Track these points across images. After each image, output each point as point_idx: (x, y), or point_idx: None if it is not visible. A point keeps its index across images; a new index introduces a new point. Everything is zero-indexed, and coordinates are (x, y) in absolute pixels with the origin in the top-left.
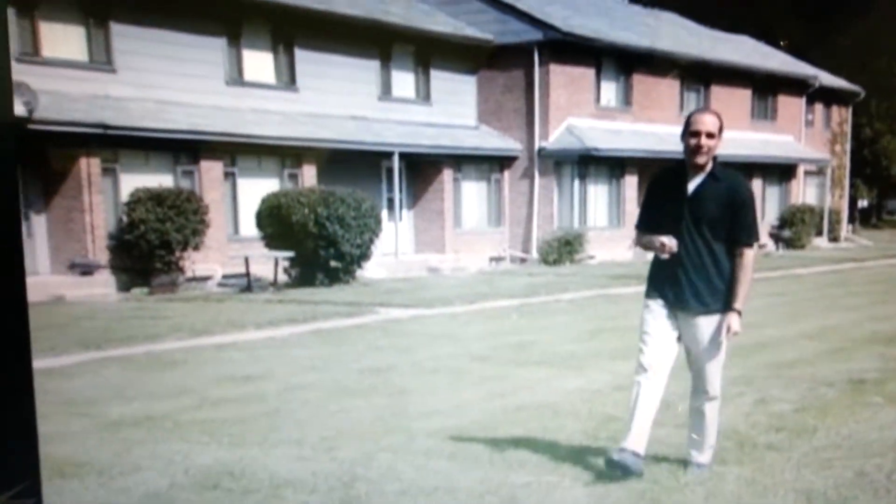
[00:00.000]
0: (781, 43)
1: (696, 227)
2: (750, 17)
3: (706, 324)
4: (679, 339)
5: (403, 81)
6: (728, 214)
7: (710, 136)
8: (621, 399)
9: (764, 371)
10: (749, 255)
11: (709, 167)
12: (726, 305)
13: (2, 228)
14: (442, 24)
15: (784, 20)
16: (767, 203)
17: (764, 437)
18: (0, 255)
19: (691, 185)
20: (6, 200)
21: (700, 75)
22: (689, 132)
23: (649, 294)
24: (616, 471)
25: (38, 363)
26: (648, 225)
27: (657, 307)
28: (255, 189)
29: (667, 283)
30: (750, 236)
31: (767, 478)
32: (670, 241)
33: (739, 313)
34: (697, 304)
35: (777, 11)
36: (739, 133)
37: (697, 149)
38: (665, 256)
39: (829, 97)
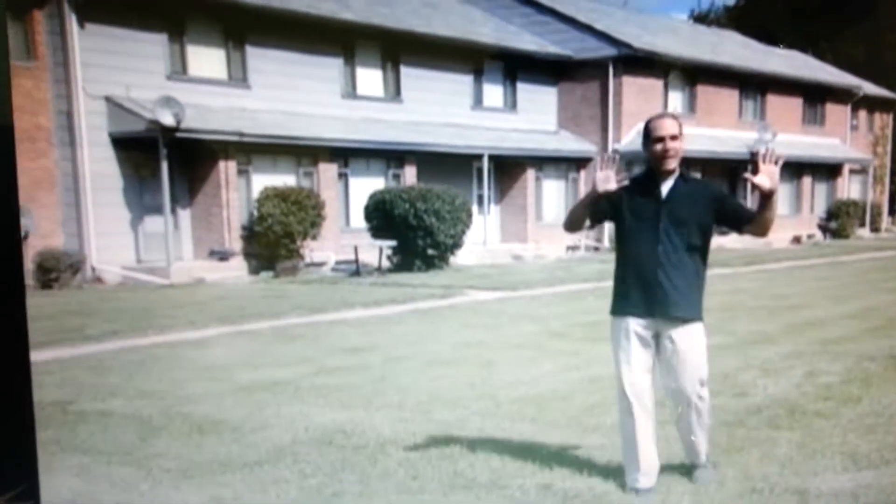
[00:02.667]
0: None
1: (675, 227)
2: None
3: (688, 331)
4: (654, 358)
5: (493, 92)
6: (710, 212)
7: (674, 138)
8: None
9: (813, 347)
10: None
11: (677, 171)
12: (701, 311)
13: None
14: (527, 42)
15: (833, 38)
16: (816, 198)
17: (813, 406)
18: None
19: (664, 189)
20: (5, 200)
21: (756, 85)
22: (652, 139)
23: (617, 310)
24: None
25: (180, 335)
26: (593, 217)
27: (629, 325)
28: (364, 187)
29: (640, 291)
30: (747, 212)
31: (816, 442)
32: (608, 162)
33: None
34: (679, 309)
35: (828, 30)
36: (791, 136)
37: (665, 153)
38: (610, 187)
39: (872, 105)
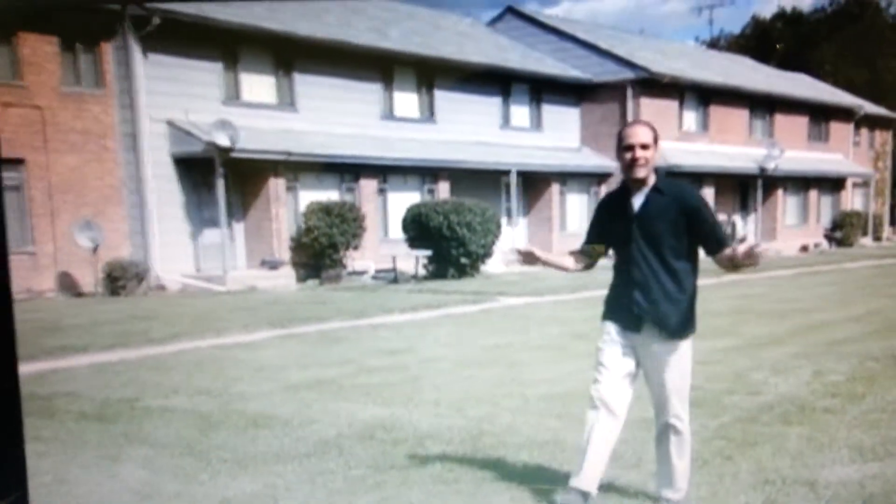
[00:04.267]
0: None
1: (649, 245)
2: (807, 58)
3: (668, 350)
4: (638, 366)
5: (520, 113)
6: (683, 226)
7: (644, 147)
8: (702, 372)
9: (820, 348)
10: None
11: (652, 181)
12: (690, 328)
13: None
14: (551, 66)
15: (837, 62)
16: (822, 209)
17: (821, 402)
18: None
19: (636, 203)
20: None
21: (765, 106)
22: (622, 147)
23: (606, 317)
24: None
25: (235, 338)
26: (593, 243)
27: (614, 334)
28: (401, 201)
29: (624, 306)
30: (721, 239)
31: (824, 435)
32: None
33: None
34: (657, 329)
35: (832, 55)
36: (798, 153)
37: (633, 162)
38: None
39: (873, 123)
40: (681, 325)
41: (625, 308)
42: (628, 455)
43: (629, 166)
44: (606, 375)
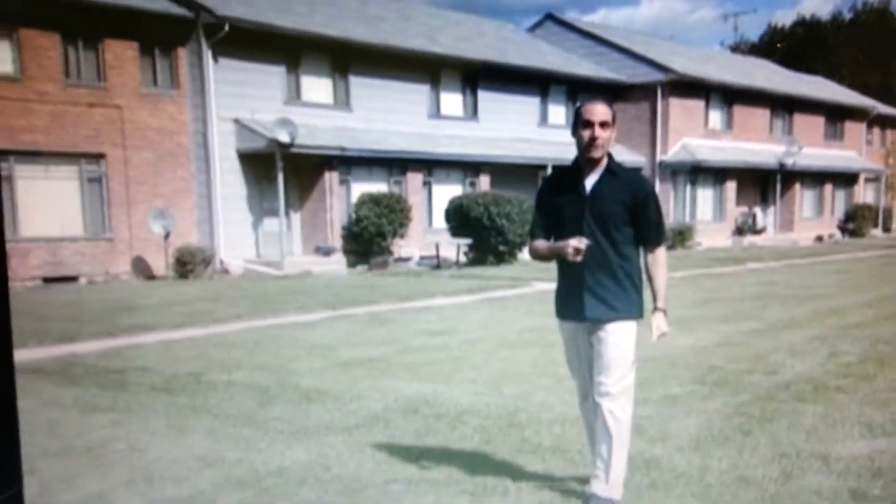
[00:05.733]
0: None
1: (600, 226)
2: (824, 61)
3: (613, 330)
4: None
5: (556, 112)
6: (632, 211)
7: (603, 125)
8: (724, 353)
9: (834, 331)
10: (661, 252)
11: (604, 162)
12: (636, 310)
13: None
14: (587, 68)
15: (853, 65)
16: (836, 202)
17: (834, 382)
18: None
19: (588, 183)
20: None
21: (784, 106)
22: (580, 123)
23: (559, 313)
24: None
25: (291, 318)
26: (547, 231)
27: (569, 328)
28: (444, 193)
29: (573, 294)
30: (659, 235)
31: (837, 413)
32: (580, 242)
33: (665, 312)
34: (606, 310)
35: (847, 60)
36: (814, 150)
37: (592, 141)
38: (579, 259)
39: (884, 122)
40: (626, 305)
41: (575, 293)
42: (653, 430)
43: (587, 145)
44: (577, 370)
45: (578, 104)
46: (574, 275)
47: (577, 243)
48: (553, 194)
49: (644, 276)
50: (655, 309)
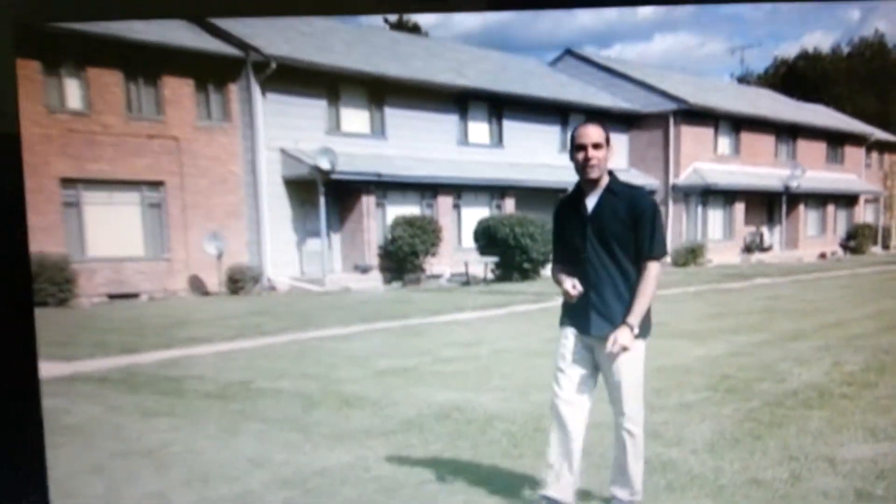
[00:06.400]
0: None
1: (602, 245)
2: (825, 91)
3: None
4: (597, 368)
5: None
6: (632, 228)
7: (597, 146)
8: (735, 362)
9: (839, 342)
10: (653, 267)
11: (605, 182)
12: (645, 329)
13: (7, 236)
14: (604, 99)
15: (852, 94)
16: (838, 222)
17: (838, 389)
18: (6, 264)
19: (590, 204)
20: (11, 211)
21: (788, 132)
22: (574, 147)
23: (563, 322)
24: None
25: (332, 331)
26: (562, 258)
27: (571, 336)
28: (473, 215)
29: (578, 309)
30: (653, 247)
31: (842, 418)
32: (575, 289)
33: (632, 328)
34: (609, 326)
35: (846, 89)
36: (817, 173)
37: (587, 162)
38: (572, 300)
39: (882, 147)
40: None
41: (580, 310)
42: (669, 435)
43: (582, 167)
44: (565, 378)
45: (573, 130)
46: (582, 289)
47: (570, 288)
48: (560, 218)
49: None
50: (623, 322)
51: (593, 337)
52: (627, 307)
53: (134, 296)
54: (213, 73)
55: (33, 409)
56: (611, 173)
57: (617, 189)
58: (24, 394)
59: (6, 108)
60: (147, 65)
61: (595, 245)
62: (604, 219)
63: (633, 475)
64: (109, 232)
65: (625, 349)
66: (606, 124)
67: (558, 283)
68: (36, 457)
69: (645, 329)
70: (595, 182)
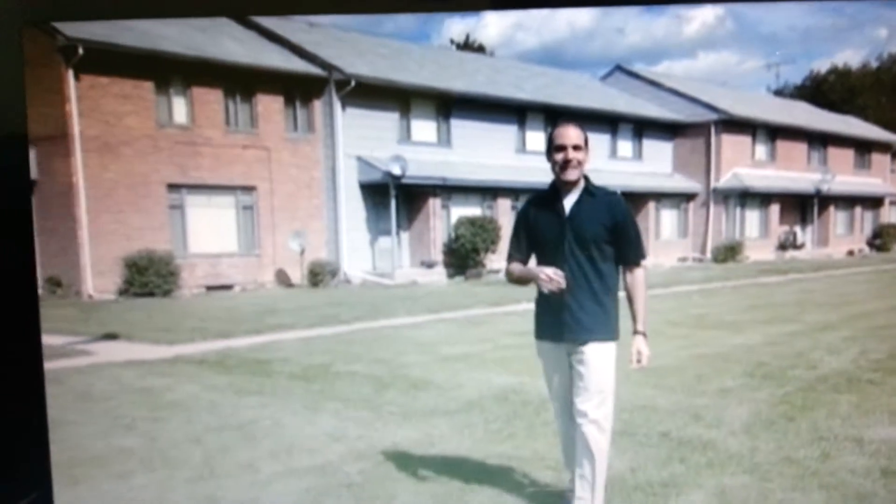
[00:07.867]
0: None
1: (580, 246)
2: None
3: (596, 350)
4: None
5: (625, 146)
6: (612, 232)
7: (577, 148)
8: (770, 351)
9: (865, 332)
10: (640, 273)
11: (582, 183)
12: (614, 333)
13: (14, 234)
14: (650, 110)
15: (879, 106)
16: (865, 222)
17: (866, 375)
18: (11, 259)
19: (567, 204)
20: (18, 211)
21: (820, 140)
22: (553, 147)
23: (537, 334)
24: None
25: (401, 320)
26: (525, 254)
27: (547, 349)
28: None
29: (550, 314)
30: (638, 254)
31: (869, 402)
32: (556, 274)
33: (644, 335)
34: (585, 332)
35: (873, 100)
36: (846, 178)
37: (566, 163)
38: (551, 290)
39: None
40: (606, 327)
41: (555, 316)
42: (710, 417)
43: (561, 168)
44: (555, 393)
45: (551, 129)
46: (557, 295)
47: (552, 273)
48: (533, 217)
49: (628, 296)
50: (636, 332)
51: (568, 341)
52: (606, 313)
53: (228, 287)
54: (300, 91)
55: (37, 411)
56: (586, 176)
57: (594, 191)
58: (28, 392)
59: (14, 109)
60: (243, 84)
61: (572, 245)
62: (583, 220)
63: (598, 489)
64: (208, 231)
65: (642, 360)
66: (584, 127)
67: (520, 278)
68: (40, 454)
69: (613, 332)
70: (573, 183)
